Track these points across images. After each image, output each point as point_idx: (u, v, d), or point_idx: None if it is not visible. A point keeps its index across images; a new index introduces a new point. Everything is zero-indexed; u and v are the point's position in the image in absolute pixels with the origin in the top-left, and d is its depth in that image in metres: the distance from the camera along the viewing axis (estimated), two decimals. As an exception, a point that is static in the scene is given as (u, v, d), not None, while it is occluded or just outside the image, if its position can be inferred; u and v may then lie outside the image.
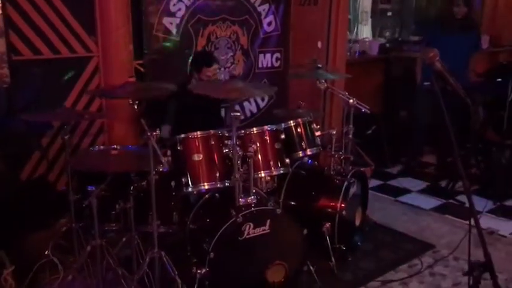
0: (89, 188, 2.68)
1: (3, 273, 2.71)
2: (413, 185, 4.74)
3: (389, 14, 6.53)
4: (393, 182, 4.85)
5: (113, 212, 2.95)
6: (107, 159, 2.83)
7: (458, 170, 1.83)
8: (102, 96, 3.54)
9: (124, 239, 3.01)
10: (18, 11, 3.21)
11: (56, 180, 3.55)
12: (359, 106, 3.31)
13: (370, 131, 5.09)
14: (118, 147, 2.99)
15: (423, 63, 4.55)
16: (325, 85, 3.35)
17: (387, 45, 5.86)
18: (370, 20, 6.23)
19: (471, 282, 1.73)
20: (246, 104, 4.55)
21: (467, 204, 1.84)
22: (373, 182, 4.68)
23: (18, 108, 3.12)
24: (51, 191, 3.44)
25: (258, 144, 2.84)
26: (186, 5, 3.97)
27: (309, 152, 3.20)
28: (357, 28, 6.13)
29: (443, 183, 4.60)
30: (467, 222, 2.09)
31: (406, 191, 4.62)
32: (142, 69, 3.82)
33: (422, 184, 4.77)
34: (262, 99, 4.70)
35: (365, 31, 6.15)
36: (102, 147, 3.42)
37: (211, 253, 2.58)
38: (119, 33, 3.54)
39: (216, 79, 3.45)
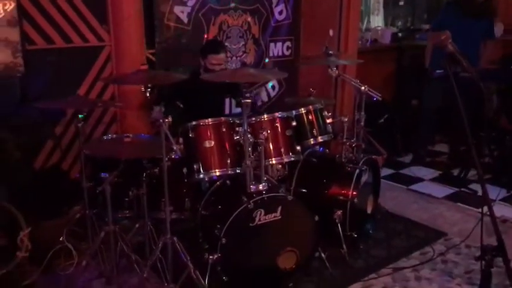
0: (103, 175, 2.71)
1: (19, 234, 2.75)
2: (425, 174, 4.72)
3: (401, 3, 6.47)
4: (405, 171, 4.83)
5: (126, 199, 3.00)
6: (120, 146, 2.86)
7: (471, 156, 1.81)
8: (115, 82, 3.56)
9: (137, 226, 3.06)
10: (31, 1, 3.24)
11: (70, 168, 3.60)
12: (371, 93, 3.29)
13: (382, 120, 5.06)
14: (131, 135, 3.02)
15: (434, 46, 4.51)
16: (337, 72, 3.33)
17: (399, 34, 5.81)
18: (382, 10, 6.19)
19: (483, 266, 1.72)
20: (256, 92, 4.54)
21: (479, 193, 1.84)
22: (385, 171, 4.66)
23: (31, 97, 3.15)
24: (64, 179, 3.49)
25: (269, 131, 2.84)
26: (197, -6, 3.98)
27: (320, 140, 3.20)
28: (369, 18, 6.09)
29: (455, 172, 4.58)
30: (480, 210, 2.09)
31: (418, 180, 4.60)
32: (153, 58, 3.84)
33: (434, 173, 4.75)
34: (273, 89, 4.70)
35: (377, 21, 6.10)
36: (115, 135, 3.46)
37: (223, 239, 2.60)
38: (130, 23, 3.56)
39: (222, 69, 3.44)
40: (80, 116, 2.81)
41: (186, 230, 3.09)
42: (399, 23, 6.34)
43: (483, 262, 1.74)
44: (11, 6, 3.13)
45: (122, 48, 3.60)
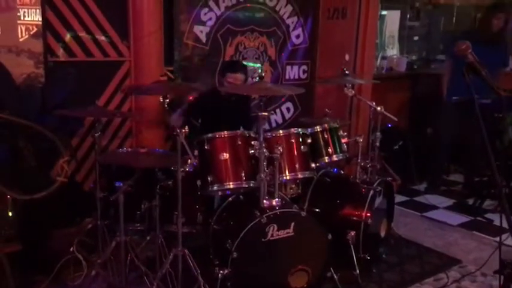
0: (117, 184, 2.71)
1: (59, 161, 2.77)
2: (439, 202, 4.67)
3: (415, 38, 6.56)
4: (419, 199, 4.78)
5: (138, 212, 2.99)
6: (135, 156, 2.89)
7: (494, 185, 1.77)
8: (134, 92, 3.60)
9: (148, 238, 3.05)
10: (56, 14, 3.33)
11: (84, 179, 3.61)
12: (386, 114, 3.29)
13: (396, 147, 5.04)
14: (146, 148, 3.05)
15: (451, 73, 4.56)
16: (353, 92, 3.35)
17: (415, 66, 5.85)
18: (397, 44, 6.26)
19: (502, 281, 1.68)
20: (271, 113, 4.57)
21: (495, 222, 1.80)
22: (399, 198, 4.62)
23: (51, 108, 3.19)
24: (78, 190, 3.50)
25: (284, 147, 2.84)
26: (216, 15, 4.06)
27: (335, 158, 3.19)
28: (384, 52, 6.17)
29: (470, 201, 4.52)
30: (496, 239, 2.05)
31: (433, 207, 4.55)
32: (172, 76, 3.90)
33: (449, 201, 4.70)
34: (288, 110, 4.72)
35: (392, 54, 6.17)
36: (130, 149, 3.49)
37: (234, 253, 2.57)
38: (150, 39, 3.62)
39: None
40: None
41: (197, 247, 3.06)
42: (413, 57, 6.39)
43: (502, 277, 1.69)
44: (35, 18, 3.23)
45: (141, 64, 3.66)
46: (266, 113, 2.59)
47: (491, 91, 1.85)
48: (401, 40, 6.34)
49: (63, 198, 3.30)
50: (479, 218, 4.25)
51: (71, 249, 2.99)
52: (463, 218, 4.28)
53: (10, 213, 2.52)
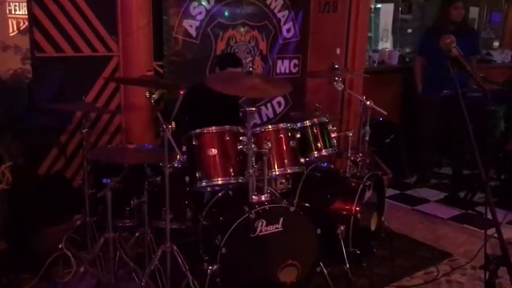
0: (104, 181, 2.69)
1: (0, 167, 2.71)
2: (431, 195, 4.68)
3: (409, 31, 6.55)
4: (411, 192, 4.79)
5: (128, 208, 2.97)
6: (123, 152, 2.87)
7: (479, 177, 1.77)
8: (120, 81, 3.57)
9: (137, 234, 3.03)
10: (43, 10, 3.29)
11: (73, 176, 3.59)
12: (376, 108, 3.29)
13: (388, 140, 5.04)
14: (135, 144, 3.03)
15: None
16: (342, 86, 3.33)
17: (407, 59, 5.84)
18: (390, 37, 6.25)
19: (487, 276, 1.68)
20: (262, 108, 4.56)
21: (486, 215, 1.79)
22: (390, 191, 4.63)
23: (38, 104, 3.17)
24: (67, 187, 3.48)
25: (273, 142, 2.82)
26: (206, 9, 4.03)
27: (324, 153, 3.18)
28: (377, 44, 6.16)
29: (461, 195, 4.52)
30: (487, 232, 2.05)
31: (424, 201, 4.55)
32: (161, 70, 3.87)
33: (440, 194, 4.71)
34: (279, 105, 4.70)
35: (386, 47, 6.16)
36: (119, 145, 3.47)
37: (223, 248, 2.56)
38: (139, 34, 3.60)
39: None
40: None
41: (187, 243, 3.05)
42: (407, 50, 6.39)
43: (487, 272, 1.69)
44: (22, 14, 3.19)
45: (129, 59, 3.64)
46: (254, 108, 2.57)
47: (465, 82, 1.84)
48: (394, 33, 6.34)
49: (52, 195, 3.30)
50: (470, 211, 4.27)
51: (60, 246, 2.97)
52: (454, 211, 4.30)
53: (-4, 211, 2.50)
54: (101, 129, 3.72)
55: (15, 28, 3.22)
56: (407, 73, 5.60)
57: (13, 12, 3.21)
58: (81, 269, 2.77)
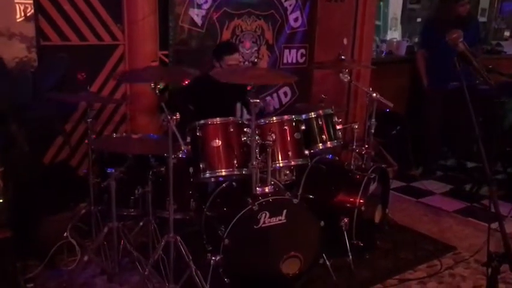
0: (108, 171, 2.70)
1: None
2: (436, 188, 4.66)
3: (418, 20, 6.47)
4: (416, 184, 4.77)
5: (132, 198, 2.98)
6: (128, 142, 2.87)
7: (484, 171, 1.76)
8: (124, 79, 3.57)
9: (141, 224, 3.05)
10: (48, -3, 3.28)
11: (78, 165, 3.61)
12: (382, 101, 3.26)
13: (394, 132, 5.01)
14: (140, 134, 3.03)
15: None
16: (348, 78, 3.30)
17: (415, 49, 5.77)
18: (399, 26, 6.18)
19: (489, 273, 1.67)
20: (268, 98, 4.53)
21: (491, 208, 1.78)
22: (395, 183, 4.62)
23: (43, 92, 3.16)
24: (72, 175, 3.50)
25: (277, 134, 2.82)
26: (212, -3, 4.00)
27: (329, 145, 3.16)
28: (386, 33, 6.10)
29: (467, 187, 4.50)
30: (492, 225, 2.04)
31: (429, 193, 4.54)
32: (166, 60, 3.86)
33: (446, 187, 4.69)
34: (285, 95, 4.68)
35: (394, 37, 6.09)
36: (124, 133, 3.47)
37: (226, 239, 2.57)
38: (144, 23, 3.58)
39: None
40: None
41: (191, 233, 3.07)
42: (416, 39, 6.31)
43: (489, 269, 1.69)
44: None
45: (135, 48, 3.62)
46: (258, 100, 2.56)
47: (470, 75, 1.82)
48: (403, 22, 6.26)
49: (57, 183, 3.32)
50: (475, 204, 4.24)
51: (65, 234, 2.99)
52: (459, 204, 4.28)
53: (0, 199, 2.51)
54: (106, 118, 3.72)
55: (22, 14, 3.21)
56: (414, 64, 5.56)
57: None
58: (85, 258, 2.78)
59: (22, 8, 3.19)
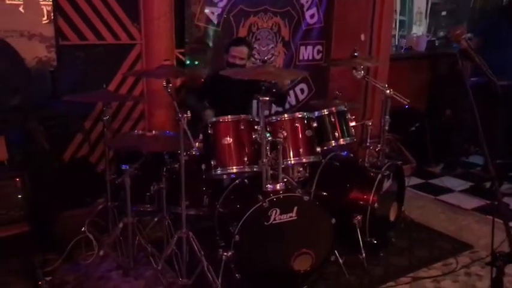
0: (123, 167, 2.76)
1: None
2: (456, 185, 4.60)
3: (443, 13, 6.36)
4: (435, 181, 4.71)
5: (148, 194, 3.04)
6: (142, 140, 2.93)
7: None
8: (137, 75, 3.63)
9: (156, 219, 3.11)
10: (66, -2, 3.36)
11: (97, 162, 3.68)
12: (397, 97, 3.23)
13: (413, 128, 4.96)
14: (155, 132, 3.09)
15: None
16: (362, 74, 3.28)
17: (436, 42, 5.69)
18: (424, 21, 6.09)
19: (494, 273, 1.65)
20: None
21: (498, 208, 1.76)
22: (414, 180, 4.57)
23: (62, 91, 3.25)
24: (91, 172, 3.58)
25: (289, 131, 2.83)
26: (228, -4, 4.03)
27: (342, 142, 3.15)
28: (411, 28, 6.03)
29: (488, 185, 4.42)
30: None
31: (448, 190, 4.48)
32: (182, 58, 3.91)
33: (465, 184, 4.62)
34: (302, 92, 4.68)
35: (419, 31, 6.01)
36: (140, 131, 3.53)
37: (237, 236, 2.60)
38: (161, 22, 3.63)
39: (243, 64, 3.49)
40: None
41: (206, 228, 3.12)
42: (441, 33, 6.21)
43: (494, 269, 1.67)
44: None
45: (152, 47, 3.67)
46: (267, 98, 2.57)
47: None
48: (430, 15, 6.15)
49: (76, 179, 3.41)
50: (495, 202, 4.16)
51: (83, 229, 3.07)
52: (479, 202, 4.21)
53: (19, 196, 2.59)
54: (125, 115, 3.79)
55: (47, 16, 3.30)
56: (435, 59, 5.48)
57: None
58: (101, 253, 2.86)
59: (46, 9, 3.29)
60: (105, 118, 2.99)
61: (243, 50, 3.47)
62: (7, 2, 3.18)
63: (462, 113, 4.82)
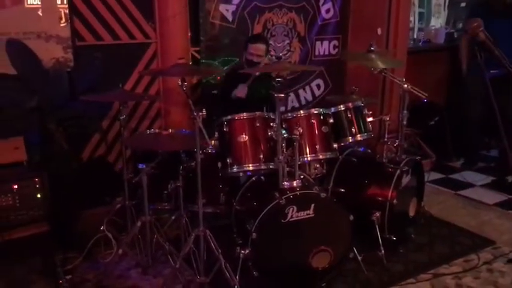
0: (140, 166, 2.78)
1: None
2: (477, 179, 4.52)
3: (462, 4, 6.24)
4: (455, 176, 4.64)
5: (165, 192, 3.06)
6: (158, 139, 2.94)
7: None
8: (152, 74, 3.65)
9: (173, 218, 3.12)
10: (82, -1, 3.38)
11: (115, 161, 3.71)
12: (414, 92, 3.17)
13: (432, 122, 4.88)
14: (171, 130, 3.10)
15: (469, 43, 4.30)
16: (378, 69, 3.23)
17: (455, 35, 5.58)
18: (443, 13, 5.98)
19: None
20: (301, 91, 4.52)
21: None
22: (434, 175, 4.51)
23: (80, 91, 3.28)
24: (109, 171, 3.61)
25: (305, 128, 2.81)
26: (242, -7, 4.01)
27: (359, 138, 3.12)
28: (429, 20, 5.93)
29: (510, 179, 4.33)
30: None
31: (469, 185, 4.40)
32: (198, 56, 3.91)
33: (486, 178, 4.53)
34: (318, 87, 4.64)
35: (438, 24, 5.91)
36: (157, 130, 3.55)
37: (254, 233, 2.60)
38: (176, 20, 3.63)
39: (260, 61, 3.47)
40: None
41: (222, 226, 3.12)
42: (460, 25, 6.09)
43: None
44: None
45: (167, 45, 3.68)
46: (283, 95, 2.56)
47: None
48: (448, 7, 6.04)
49: (94, 179, 3.44)
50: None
51: (102, 228, 3.10)
52: (501, 197, 4.13)
53: (39, 195, 2.62)
54: (141, 114, 3.81)
55: (64, 18, 3.34)
56: (453, 52, 5.37)
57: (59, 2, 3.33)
58: (120, 251, 2.88)
59: (64, 12, 3.32)
60: (121, 117, 3.01)
61: (261, 47, 3.46)
62: (26, 5, 3.22)
63: (467, 107, 4.73)
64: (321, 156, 2.91)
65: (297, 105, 4.37)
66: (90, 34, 3.46)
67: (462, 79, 4.68)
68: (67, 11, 3.32)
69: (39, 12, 3.26)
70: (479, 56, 1.59)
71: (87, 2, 3.40)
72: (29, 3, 3.23)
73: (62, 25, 3.33)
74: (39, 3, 3.24)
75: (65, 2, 3.31)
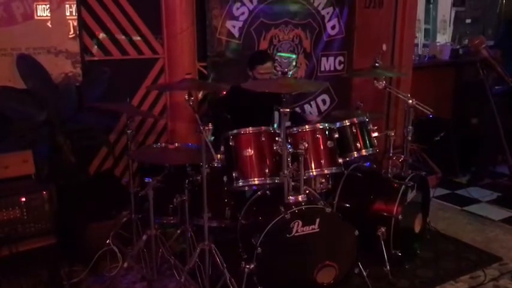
0: (146, 180, 2.80)
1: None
2: (483, 195, 4.50)
3: (468, 21, 6.29)
4: (461, 192, 4.62)
5: (171, 206, 3.07)
6: (164, 153, 2.96)
7: None
8: (159, 89, 3.70)
9: (179, 232, 3.13)
10: (91, 14, 3.44)
11: (122, 174, 3.74)
12: (419, 107, 3.19)
13: (438, 138, 4.88)
14: (177, 144, 3.12)
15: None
16: (383, 84, 3.26)
17: (460, 50, 5.61)
18: (448, 29, 6.04)
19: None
20: (306, 106, 4.54)
21: None
22: (439, 191, 4.49)
23: (87, 106, 3.32)
24: (116, 184, 3.63)
25: (310, 142, 2.82)
26: (249, 9, 4.06)
27: (364, 153, 3.13)
28: (435, 37, 5.98)
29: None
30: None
31: (475, 201, 4.38)
32: (205, 71, 3.95)
33: (492, 194, 4.51)
34: (324, 102, 4.67)
35: (443, 40, 5.96)
36: (163, 144, 3.58)
37: (259, 248, 2.60)
38: (183, 36, 3.69)
39: (270, 76, 3.51)
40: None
41: (228, 240, 3.12)
42: (465, 41, 6.13)
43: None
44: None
45: (174, 61, 3.73)
46: (288, 109, 2.58)
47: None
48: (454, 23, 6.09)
49: (101, 192, 3.46)
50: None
51: (107, 241, 3.11)
52: (507, 213, 4.11)
53: (46, 208, 2.65)
54: (148, 128, 3.85)
55: (72, 31, 3.40)
56: (459, 67, 5.40)
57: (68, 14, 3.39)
58: (125, 265, 2.89)
59: (73, 24, 3.38)
60: (129, 131, 3.05)
61: (269, 65, 3.50)
62: (36, 18, 3.28)
63: (488, 121, 4.71)
64: (326, 171, 2.93)
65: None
66: (99, 49, 3.52)
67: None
68: (75, 23, 3.38)
69: (49, 24, 3.31)
70: (482, 73, 1.60)
71: (96, 18, 3.47)
72: (38, 15, 3.29)
73: (70, 36, 3.38)
74: (49, 15, 3.30)
75: (74, 13, 3.37)
